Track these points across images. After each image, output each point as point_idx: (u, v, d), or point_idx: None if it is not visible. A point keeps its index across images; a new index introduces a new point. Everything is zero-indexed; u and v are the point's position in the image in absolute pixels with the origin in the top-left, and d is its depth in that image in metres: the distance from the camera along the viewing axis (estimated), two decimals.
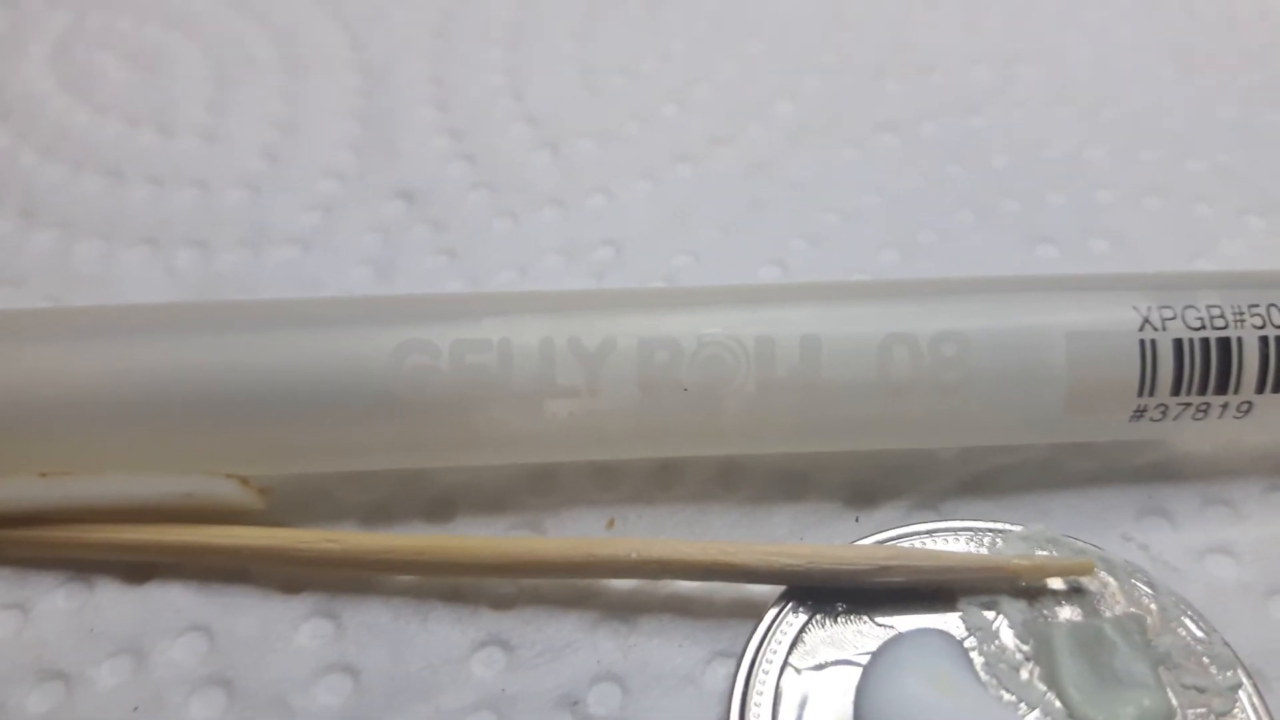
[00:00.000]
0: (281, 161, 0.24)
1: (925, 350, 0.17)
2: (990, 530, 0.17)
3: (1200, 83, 0.26)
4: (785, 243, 0.22)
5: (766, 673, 0.16)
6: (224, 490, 0.17)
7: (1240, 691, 0.15)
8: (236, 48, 0.27)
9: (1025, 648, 0.16)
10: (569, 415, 0.17)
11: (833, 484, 0.19)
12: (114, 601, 0.17)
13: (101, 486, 0.17)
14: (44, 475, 0.17)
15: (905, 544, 0.17)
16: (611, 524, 0.18)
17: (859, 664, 0.16)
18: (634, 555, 0.17)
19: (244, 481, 0.18)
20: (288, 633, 0.17)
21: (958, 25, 0.27)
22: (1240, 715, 0.15)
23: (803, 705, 0.16)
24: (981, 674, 0.16)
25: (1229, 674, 0.16)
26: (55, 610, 0.17)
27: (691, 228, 0.23)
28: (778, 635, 0.16)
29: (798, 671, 0.16)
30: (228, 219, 0.23)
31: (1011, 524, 0.17)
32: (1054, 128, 0.25)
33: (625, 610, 0.17)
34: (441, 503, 0.19)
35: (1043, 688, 0.16)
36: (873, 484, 0.19)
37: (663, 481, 0.19)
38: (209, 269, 0.22)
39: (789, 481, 0.19)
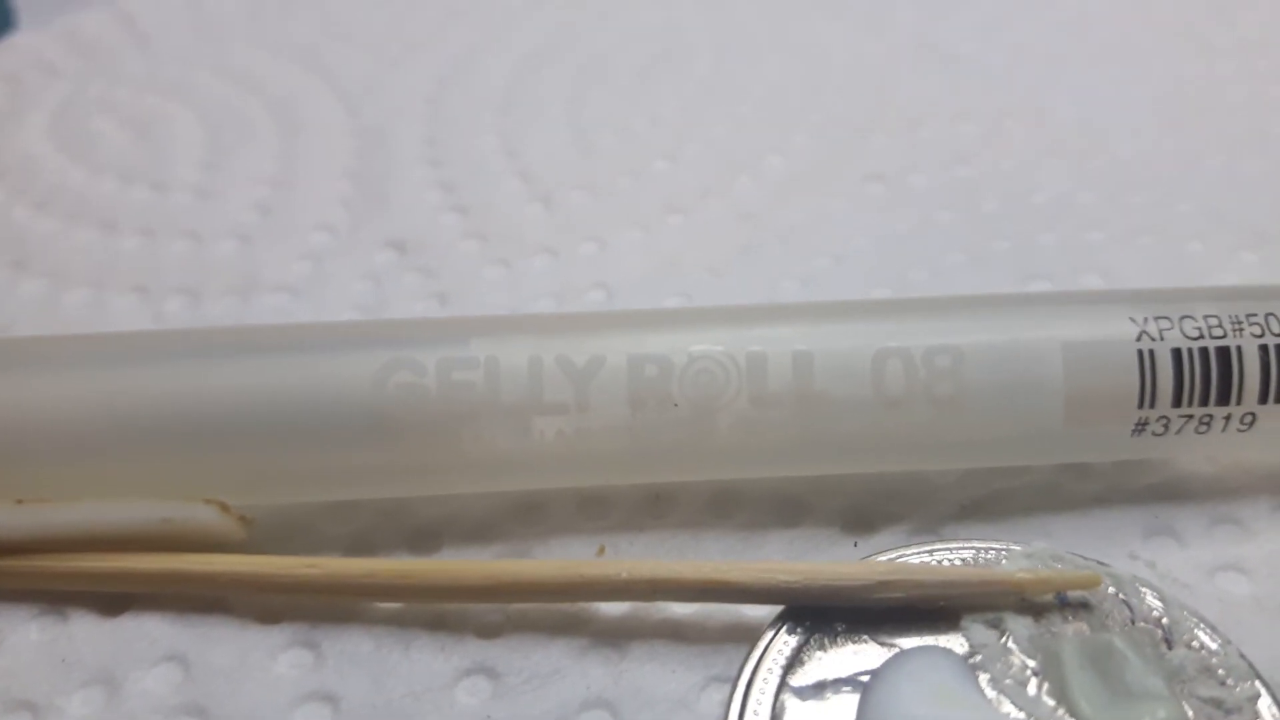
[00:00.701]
0: (274, 215, 0.25)
1: (919, 363, 0.17)
2: (992, 549, 0.17)
3: (1186, 135, 0.26)
4: (776, 284, 0.22)
5: (763, 693, 0.15)
6: (202, 516, 0.17)
7: (1260, 703, 0.15)
8: (232, 114, 0.28)
9: (1032, 663, 0.15)
10: (557, 434, 0.17)
11: (829, 509, 0.18)
12: (88, 633, 0.17)
13: (78, 513, 0.17)
14: (20, 502, 0.17)
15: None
16: (602, 551, 0.18)
17: (859, 684, 0.15)
18: (624, 575, 0.16)
19: (224, 508, 0.17)
20: (265, 662, 0.16)
21: (943, 86, 0.28)
22: None
23: None
24: (988, 690, 0.15)
25: (1246, 685, 0.15)
26: (27, 642, 0.17)
27: (683, 271, 0.23)
28: (774, 656, 0.16)
29: (796, 694, 0.15)
30: (218, 268, 0.23)
31: (1014, 544, 0.17)
32: (1042, 176, 0.25)
33: (616, 636, 0.16)
34: (425, 534, 0.18)
35: (1052, 703, 0.15)
36: (871, 509, 0.18)
37: (654, 510, 0.18)
38: (197, 314, 0.22)
39: (784, 507, 0.18)
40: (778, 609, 0.16)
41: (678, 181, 0.25)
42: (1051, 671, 0.15)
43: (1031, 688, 0.15)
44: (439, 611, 0.17)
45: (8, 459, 0.17)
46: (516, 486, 0.18)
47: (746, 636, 0.16)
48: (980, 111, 0.27)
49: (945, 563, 0.16)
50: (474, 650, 0.16)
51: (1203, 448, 0.18)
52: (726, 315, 0.18)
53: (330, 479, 0.17)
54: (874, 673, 0.15)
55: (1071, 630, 0.16)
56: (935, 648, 0.16)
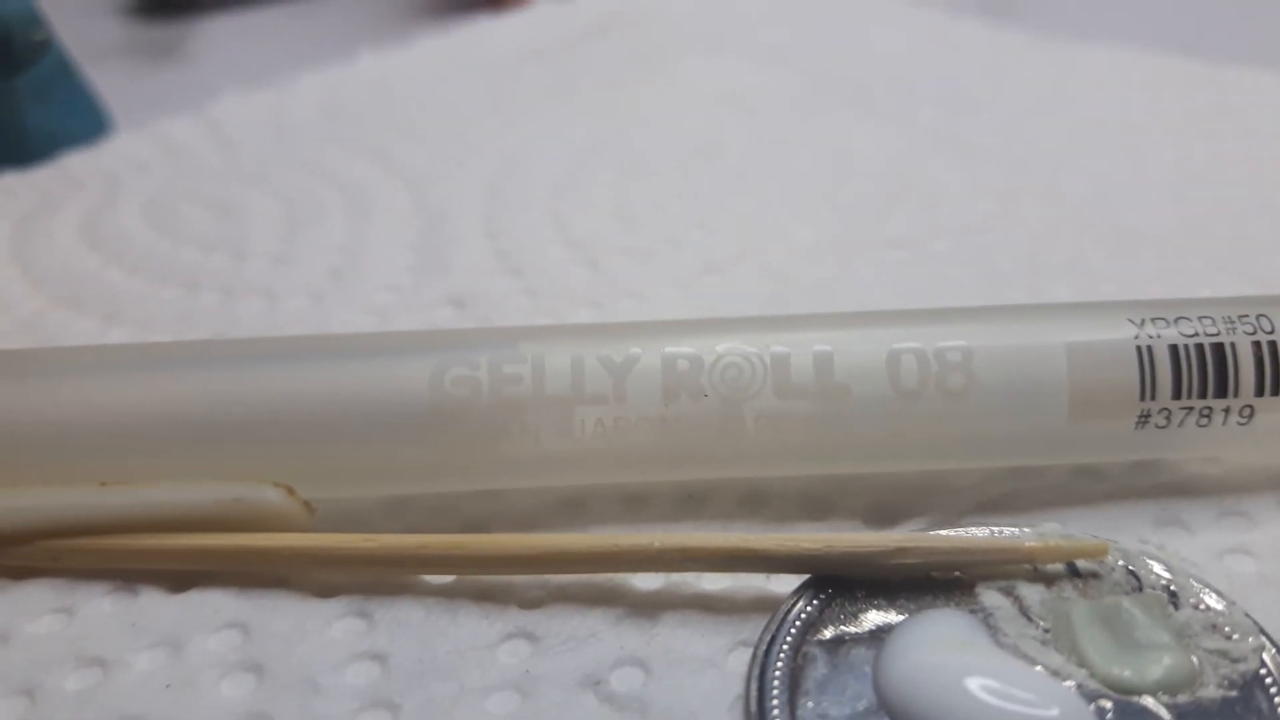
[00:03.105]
0: (343, 278, 0.27)
1: (931, 358, 0.18)
2: (1005, 530, 0.18)
3: (1194, 206, 0.28)
4: None
5: (785, 651, 0.16)
6: (271, 498, 0.18)
7: (1265, 654, 0.15)
8: (308, 198, 0.30)
9: (1044, 624, 0.16)
10: (596, 423, 0.18)
11: (853, 507, 0.19)
12: (156, 605, 0.18)
13: (156, 494, 0.18)
14: (104, 485, 0.19)
15: None
16: None
17: (878, 641, 0.16)
18: (656, 545, 0.17)
19: (290, 491, 0.19)
20: (321, 628, 0.17)
21: (962, 171, 0.30)
22: (1266, 677, 0.15)
23: (821, 683, 0.16)
24: (1000, 647, 0.16)
25: (1252, 639, 0.16)
26: (99, 612, 0.18)
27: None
28: (796, 618, 0.17)
29: (816, 647, 0.16)
30: (290, 320, 0.25)
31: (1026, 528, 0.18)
32: (1055, 241, 0.26)
33: (650, 607, 0.17)
34: (474, 527, 0.19)
35: (1062, 656, 0.16)
36: (892, 506, 0.19)
37: (688, 507, 0.19)
38: None
39: (811, 505, 0.19)
40: (800, 581, 0.17)
41: (713, 247, 0.27)
42: (1061, 631, 0.16)
43: (1042, 644, 0.16)
44: (485, 585, 0.18)
45: (97, 448, 0.19)
46: (560, 479, 0.19)
47: (772, 606, 0.17)
48: (997, 191, 0.29)
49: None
50: (516, 618, 0.17)
51: (1207, 443, 0.19)
52: (752, 323, 0.19)
53: (387, 472, 0.19)
54: (890, 631, 0.16)
55: (1081, 595, 0.17)
56: (949, 610, 0.16)
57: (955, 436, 0.18)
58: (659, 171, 0.31)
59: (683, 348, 0.18)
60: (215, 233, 0.29)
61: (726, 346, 0.18)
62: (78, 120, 0.35)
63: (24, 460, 0.19)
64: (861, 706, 0.15)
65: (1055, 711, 0.15)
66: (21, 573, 0.19)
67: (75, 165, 0.33)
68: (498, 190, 0.30)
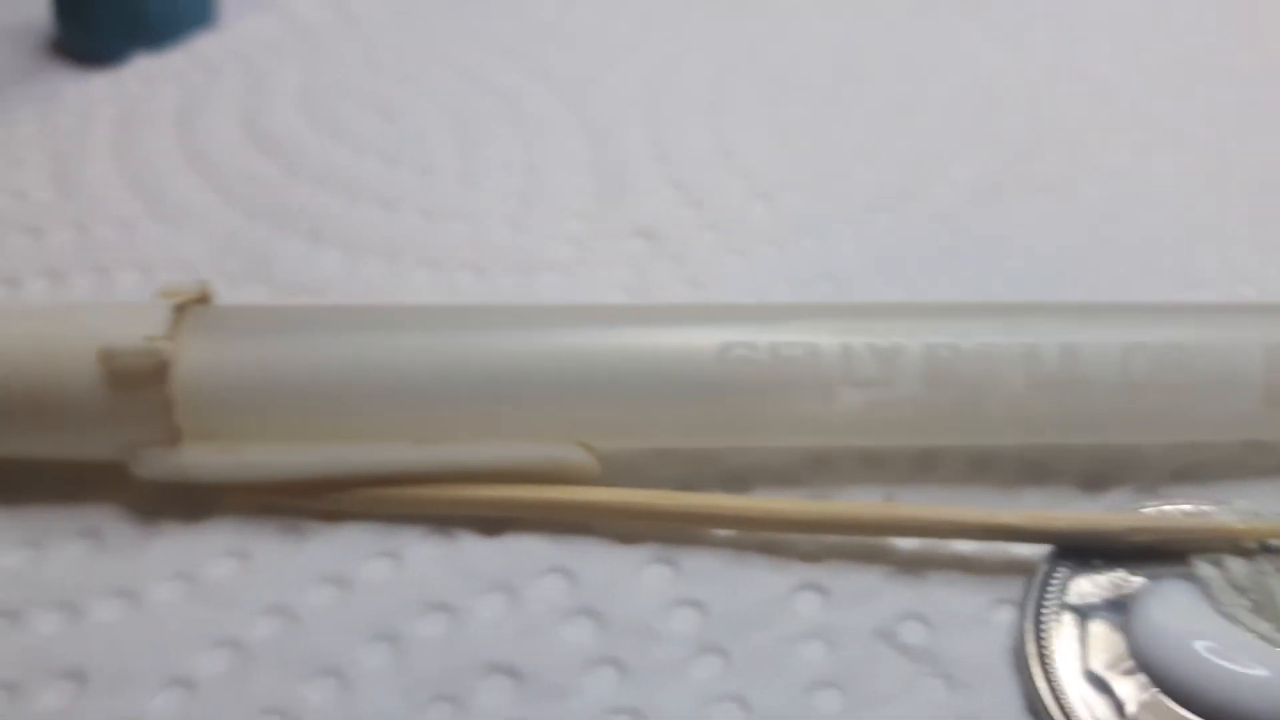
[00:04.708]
0: (532, 203, 0.28)
1: (1161, 353, 0.21)
2: (1203, 507, 0.21)
3: None
4: (986, 283, 0.26)
5: (1046, 609, 0.19)
6: (575, 455, 0.21)
7: None
8: (463, 103, 0.31)
9: (1252, 595, 0.20)
10: (863, 401, 0.21)
11: (1070, 473, 0.22)
12: (475, 550, 0.21)
13: (468, 450, 0.21)
14: (419, 442, 0.21)
15: None
16: (889, 500, 0.22)
17: (1119, 605, 0.19)
18: (930, 516, 0.20)
19: (589, 448, 0.21)
20: (634, 575, 0.20)
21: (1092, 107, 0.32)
22: None
23: (1082, 639, 0.19)
24: (1216, 613, 0.19)
25: None
26: (424, 556, 0.20)
27: (899, 265, 0.27)
28: (1052, 582, 0.20)
29: (1069, 611, 0.19)
30: (495, 249, 0.27)
31: (1218, 503, 0.21)
32: (1193, 196, 0.29)
33: (915, 565, 0.20)
34: (735, 478, 0.22)
35: (1268, 624, 0.19)
36: (1101, 474, 0.22)
37: (922, 467, 0.22)
38: (487, 288, 0.26)
39: (1032, 470, 0.22)
40: (1044, 549, 0.20)
41: (878, 183, 0.29)
42: (1265, 600, 0.19)
43: (1252, 612, 0.19)
44: (766, 538, 0.21)
45: (410, 406, 0.21)
46: (822, 441, 0.22)
47: (1020, 568, 0.20)
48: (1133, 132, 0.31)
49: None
50: (801, 570, 0.20)
51: None
52: (1003, 310, 0.22)
53: (675, 428, 0.21)
54: (1132, 596, 0.19)
55: (1276, 570, 0.20)
56: (1181, 581, 0.20)
57: (1165, 418, 0.21)
58: (809, 89, 0.33)
59: (942, 336, 0.21)
60: (385, 140, 0.30)
61: (982, 338, 0.21)
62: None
63: (343, 415, 0.21)
64: (1119, 664, 0.19)
65: (1266, 672, 0.18)
66: (334, 516, 0.21)
67: (207, 48, 0.33)
68: (655, 104, 0.32)
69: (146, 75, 0.33)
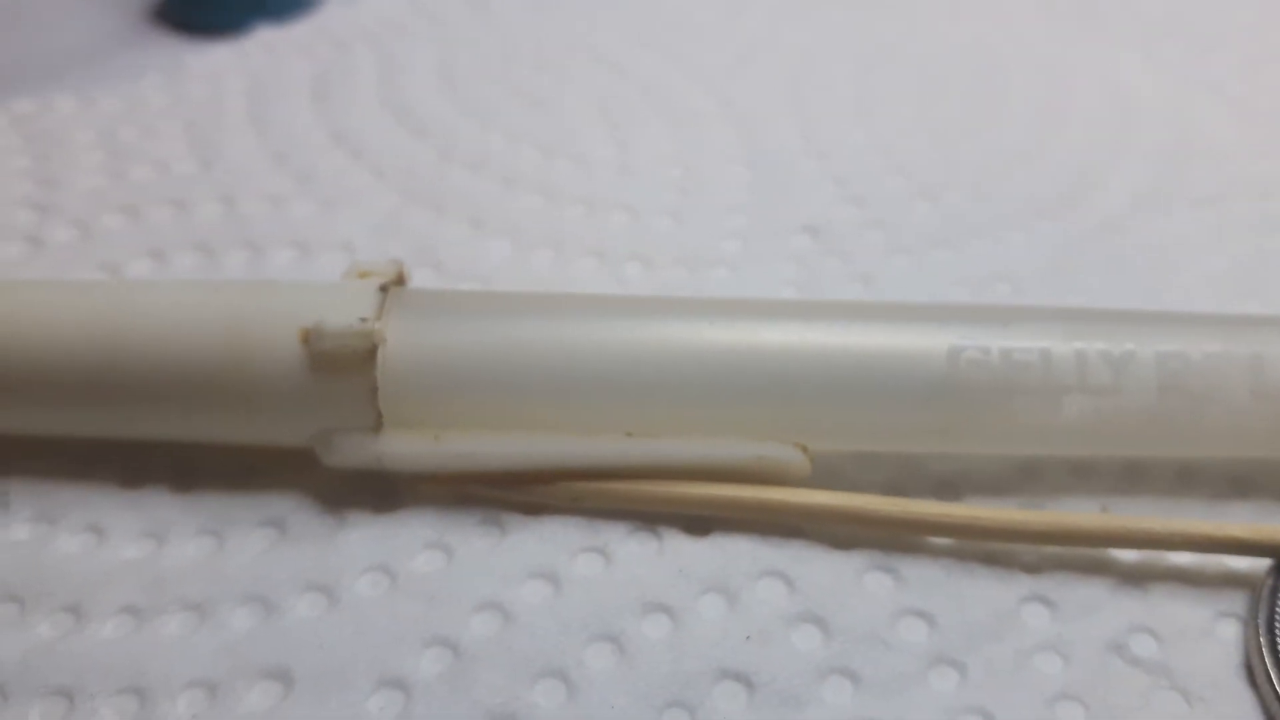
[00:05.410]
0: (691, 196, 0.28)
1: None
2: None
3: None
4: (1157, 293, 0.26)
5: (1276, 621, 0.19)
6: (789, 456, 0.20)
7: None
8: (612, 95, 0.31)
9: None
10: (1092, 408, 0.20)
11: (1274, 488, 0.22)
12: (685, 549, 0.20)
13: (679, 447, 0.20)
14: (630, 435, 0.20)
15: None
16: (1105, 510, 0.21)
17: None
18: (1158, 529, 0.20)
19: (804, 449, 0.20)
20: (854, 582, 0.20)
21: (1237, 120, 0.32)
22: None
23: None
24: None
25: None
26: (633, 554, 0.20)
27: (1074, 271, 0.26)
28: (1278, 595, 0.19)
29: None
30: (658, 241, 0.26)
31: None
32: None
33: (1136, 578, 0.20)
34: (945, 485, 0.21)
35: None
36: None
37: (1130, 478, 0.22)
38: (655, 280, 0.25)
39: (1238, 483, 0.22)
40: (1264, 563, 0.20)
41: (1035, 184, 0.29)
42: None
43: None
44: (986, 550, 0.20)
45: (620, 398, 0.20)
46: (1044, 450, 0.21)
47: (1240, 581, 0.20)
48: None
49: None
50: (1026, 582, 0.20)
51: None
52: (1226, 322, 0.21)
53: (897, 432, 0.20)
54: None
55: None
56: None
57: None
58: (951, 91, 0.32)
59: (1173, 344, 0.20)
60: (536, 128, 0.29)
61: (1210, 347, 0.20)
62: None
63: (550, 405, 0.20)
64: None
65: None
66: (535, 509, 0.20)
67: (330, 23, 0.33)
68: (800, 98, 0.31)
69: (271, 47, 0.32)
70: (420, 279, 0.25)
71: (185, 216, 0.26)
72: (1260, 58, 0.35)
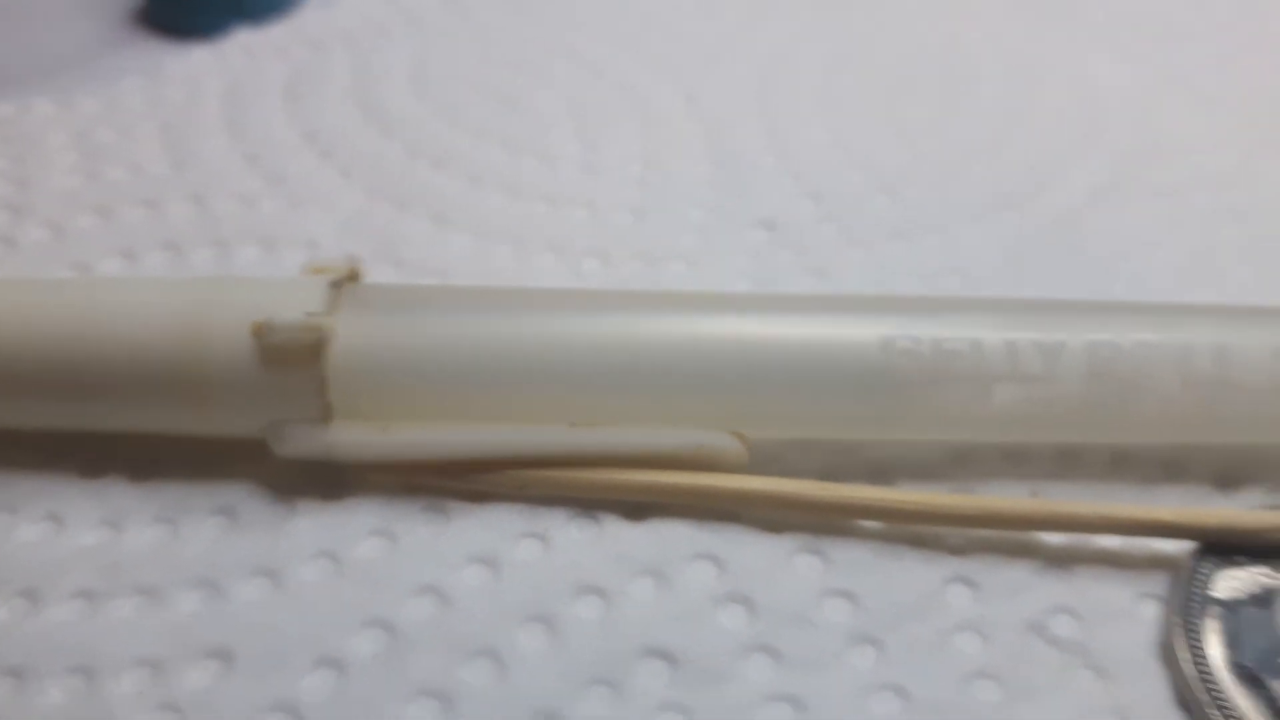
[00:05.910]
0: (653, 192, 0.28)
1: None
2: None
3: None
4: (1106, 285, 0.26)
5: (1194, 603, 0.19)
6: (726, 444, 0.21)
7: None
8: (581, 92, 0.31)
9: None
10: (1023, 396, 0.21)
11: (1204, 473, 0.22)
12: (623, 534, 0.21)
13: (621, 435, 0.21)
14: (573, 425, 0.21)
15: None
16: (1035, 495, 0.22)
17: (1264, 600, 0.19)
18: (1085, 511, 0.20)
19: (741, 437, 0.21)
20: (784, 564, 0.20)
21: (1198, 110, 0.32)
22: None
23: (1233, 633, 0.19)
24: None
25: None
26: (572, 539, 0.20)
27: (1029, 266, 0.27)
28: (1198, 577, 0.20)
29: (1216, 606, 0.19)
30: (619, 236, 0.27)
31: None
32: None
33: (1062, 560, 0.20)
34: (878, 472, 0.22)
35: None
36: (1234, 473, 0.22)
37: (1063, 464, 0.22)
38: (612, 274, 0.26)
39: (1169, 468, 0.22)
40: (1187, 545, 0.20)
41: (999, 180, 0.29)
42: None
43: None
44: (914, 533, 0.21)
45: (563, 389, 0.21)
46: (974, 436, 0.22)
47: (1163, 563, 0.20)
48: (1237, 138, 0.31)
49: None
50: (951, 563, 0.20)
51: None
52: (1157, 310, 0.22)
53: (831, 420, 0.21)
54: (1276, 592, 0.20)
55: None
56: None
57: None
58: (918, 87, 0.33)
59: (1105, 334, 0.21)
60: (504, 126, 0.30)
61: (1140, 337, 0.21)
62: None
63: (497, 397, 0.21)
64: (1270, 658, 0.19)
65: None
66: (480, 497, 0.21)
67: (308, 25, 0.33)
68: (768, 95, 0.32)
69: (249, 49, 0.33)
70: (381, 275, 0.25)
71: (156, 216, 0.27)
72: (1230, 52, 0.35)
